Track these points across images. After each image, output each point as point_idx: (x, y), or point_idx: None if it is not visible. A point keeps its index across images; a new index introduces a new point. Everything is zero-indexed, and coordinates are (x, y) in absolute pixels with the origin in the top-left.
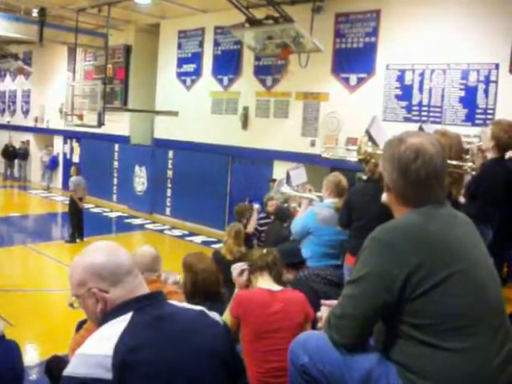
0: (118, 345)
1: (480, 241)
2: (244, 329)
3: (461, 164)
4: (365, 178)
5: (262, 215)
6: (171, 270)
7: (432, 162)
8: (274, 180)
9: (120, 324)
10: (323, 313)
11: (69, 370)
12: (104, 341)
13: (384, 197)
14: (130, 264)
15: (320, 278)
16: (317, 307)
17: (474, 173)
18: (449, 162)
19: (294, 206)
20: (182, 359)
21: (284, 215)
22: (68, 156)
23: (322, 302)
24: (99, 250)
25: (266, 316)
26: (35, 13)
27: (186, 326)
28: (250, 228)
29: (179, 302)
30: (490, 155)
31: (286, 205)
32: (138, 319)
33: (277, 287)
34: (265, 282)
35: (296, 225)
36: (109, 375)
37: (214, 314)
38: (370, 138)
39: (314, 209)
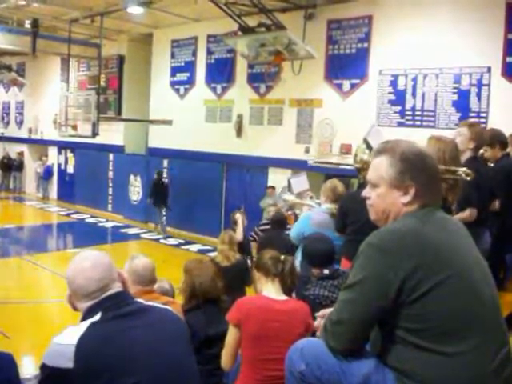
0: (82, 337)
1: (473, 244)
2: (244, 334)
3: (454, 169)
4: None
5: (263, 221)
6: (165, 280)
7: (435, 165)
8: (271, 187)
9: (88, 322)
10: (319, 322)
11: (44, 360)
12: (73, 333)
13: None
14: (105, 279)
15: (329, 300)
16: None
17: (468, 178)
18: (443, 167)
19: (289, 212)
20: (143, 351)
21: (281, 222)
22: (63, 166)
23: (316, 314)
24: (80, 273)
25: (265, 321)
26: (28, 24)
27: (150, 320)
28: (237, 237)
29: (146, 301)
30: (465, 156)
31: (290, 212)
32: (104, 317)
33: (282, 297)
34: (272, 291)
35: (293, 230)
36: (70, 364)
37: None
38: (368, 146)
39: (309, 213)
